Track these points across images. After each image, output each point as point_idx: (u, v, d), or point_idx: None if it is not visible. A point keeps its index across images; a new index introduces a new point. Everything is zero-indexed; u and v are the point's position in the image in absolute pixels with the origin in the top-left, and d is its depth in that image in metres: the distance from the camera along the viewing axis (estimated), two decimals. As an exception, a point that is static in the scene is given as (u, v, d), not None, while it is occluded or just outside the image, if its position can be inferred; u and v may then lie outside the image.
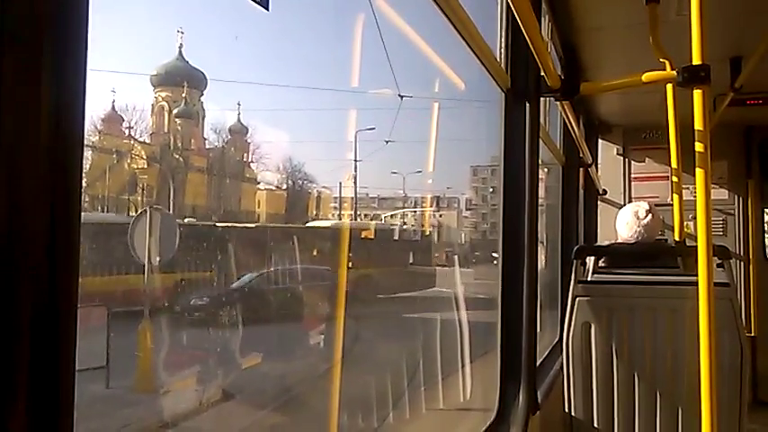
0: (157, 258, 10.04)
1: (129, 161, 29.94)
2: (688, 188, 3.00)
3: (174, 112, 32.09)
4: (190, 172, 29.96)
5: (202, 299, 12.95)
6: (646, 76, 2.42)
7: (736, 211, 5.66)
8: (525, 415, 2.53)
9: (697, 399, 1.95)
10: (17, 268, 0.57)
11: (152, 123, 32.64)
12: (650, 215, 3.23)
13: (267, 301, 14.35)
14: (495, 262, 2.99)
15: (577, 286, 2.89)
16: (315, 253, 18.28)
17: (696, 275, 1.97)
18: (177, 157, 30.81)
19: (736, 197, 5.66)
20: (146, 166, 30.17)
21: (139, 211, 14.58)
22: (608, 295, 2.89)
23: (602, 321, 2.83)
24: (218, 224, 19.87)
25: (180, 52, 31.04)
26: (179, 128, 32.06)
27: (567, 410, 2.87)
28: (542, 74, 2.47)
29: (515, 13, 1.91)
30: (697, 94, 2.04)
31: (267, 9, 1.62)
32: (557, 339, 3.69)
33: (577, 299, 2.86)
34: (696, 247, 1.98)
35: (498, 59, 2.61)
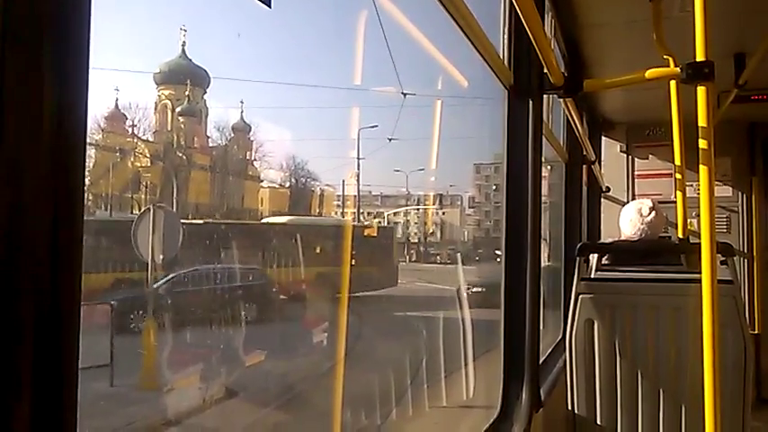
0: (161, 256, 10.06)
1: (132, 159, 30.00)
2: (692, 185, 2.99)
3: (178, 110, 32.17)
4: (193, 170, 30.03)
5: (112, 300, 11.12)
6: (649, 73, 2.42)
7: (740, 208, 5.65)
8: (528, 412, 2.53)
9: (700, 396, 1.95)
10: (20, 267, 0.57)
11: (155, 121, 32.74)
12: (654, 212, 3.22)
13: (165, 305, 12.78)
14: (498, 260, 2.98)
15: (580, 283, 2.88)
16: (259, 251, 17.34)
17: (700, 273, 1.97)
18: (180, 155, 30.87)
19: (740, 194, 5.65)
20: (149, 164, 30.23)
21: (143, 210, 14.52)
22: (611, 293, 2.88)
23: (605, 319, 2.83)
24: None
25: (183, 50, 31.11)
26: (182, 126, 32.14)
27: (570, 408, 2.87)
28: (545, 71, 2.47)
29: (518, 10, 1.90)
30: (701, 91, 2.03)
31: (269, 6, 1.62)
32: (560, 337, 3.69)
33: (580, 296, 2.86)
34: (700, 244, 1.98)
35: (501, 56, 2.60)
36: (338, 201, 37.31)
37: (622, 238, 3.35)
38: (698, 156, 2.03)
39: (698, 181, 2.01)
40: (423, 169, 42.83)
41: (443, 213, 47.42)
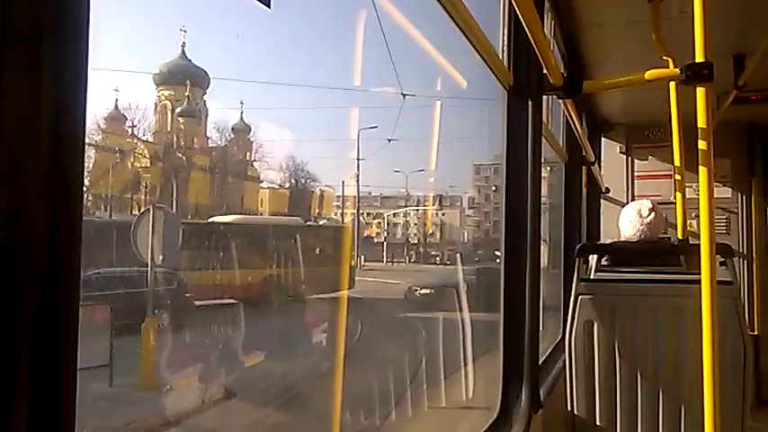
0: (160, 257, 10.05)
1: (132, 160, 30.00)
2: (691, 186, 2.99)
3: (177, 110, 32.17)
4: (192, 170, 30.03)
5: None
6: (649, 74, 2.42)
7: (740, 209, 5.65)
8: (528, 413, 2.53)
9: (700, 397, 1.95)
10: (19, 268, 0.57)
11: (155, 122, 32.73)
12: (653, 213, 3.22)
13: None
14: (497, 260, 2.98)
15: (580, 284, 2.88)
16: (194, 253, 15.90)
17: (699, 274, 1.97)
18: (180, 155, 30.87)
19: (739, 195, 5.65)
20: (149, 165, 30.23)
21: (142, 210, 14.37)
22: (611, 293, 2.88)
23: (604, 320, 2.83)
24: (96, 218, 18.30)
25: (183, 51, 31.10)
26: (182, 126, 32.14)
27: (569, 409, 2.87)
28: (545, 72, 2.47)
29: (518, 11, 1.90)
30: (700, 92, 2.03)
31: (269, 7, 1.62)
32: (559, 338, 3.69)
33: (580, 297, 2.86)
34: (699, 245, 1.98)
35: (501, 57, 2.60)
36: (338, 202, 37.34)
37: (622, 239, 3.35)
38: (697, 157, 2.03)
39: (697, 182, 2.01)
40: (422, 170, 42.88)
41: (443, 214, 47.43)
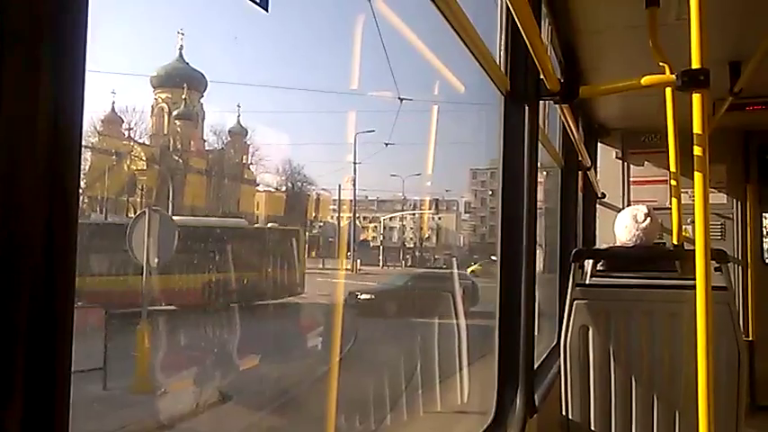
0: (156, 260, 10.03)
1: (128, 162, 29.92)
2: (687, 192, 3.00)
3: (174, 113, 32.09)
4: (189, 173, 29.97)
5: None
6: (645, 80, 2.42)
7: (735, 215, 5.67)
8: (523, 418, 2.53)
9: (694, 403, 1.95)
10: (14, 269, 0.57)
11: (152, 125, 32.66)
12: (649, 219, 3.23)
13: None
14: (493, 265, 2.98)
15: (575, 289, 2.88)
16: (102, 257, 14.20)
17: (694, 279, 1.97)
18: (177, 158, 30.82)
19: (734, 201, 5.67)
20: (145, 168, 30.16)
21: (138, 213, 14.15)
22: (606, 299, 2.88)
23: (599, 325, 2.83)
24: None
25: (180, 53, 31.06)
26: (178, 129, 32.07)
27: (564, 414, 2.87)
28: (542, 77, 2.47)
29: (515, 16, 1.91)
30: (696, 99, 2.04)
31: (267, 11, 1.62)
32: (555, 342, 3.69)
33: (575, 302, 2.86)
34: (694, 250, 1.99)
35: (498, 62, 2.61)
36: (334, 205, 37.31)
37: (617, 244, 3.36)
38: (693, 163, 2.04)
39: (693, 188, 2.02)
40: (419, 174, 42.83)
41: (439, 218, 47.41)
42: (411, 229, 47.99)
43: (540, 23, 2.86)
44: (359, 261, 31.62)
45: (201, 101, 32.88)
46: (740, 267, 5.52)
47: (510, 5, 1.85)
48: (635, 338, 2.79)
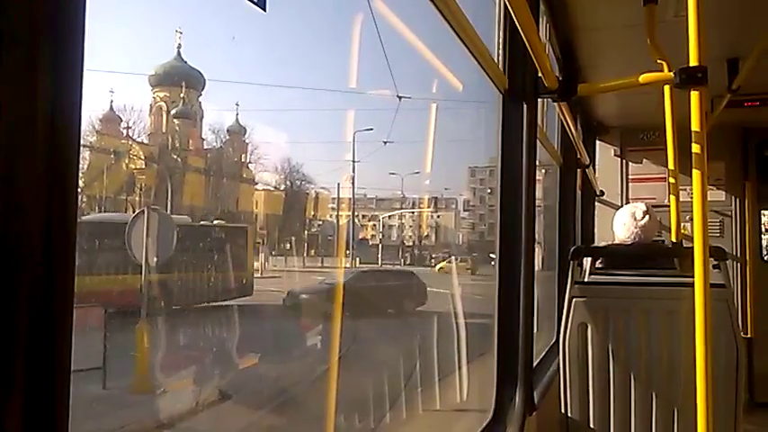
0: (155, 258, 10.02)
1: (126, 161, 29.89)
2: (685, 189, 3.01)
3: (172, 112, 32.05)
4: (187, 172, 29.93)
5: None
6: (643, 78, 2.43)
7: (733, 212, 5.67)
8: (522, 416, 2.53)
9: (693, 400, 1.96)
10: (14, 269, 0.57)
11: (150, 123, 32.62)
12: (647, 216, 3.23)
13: None
14: (492, 263, 2.99)
15: (574, 287, 2.89)
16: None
17: (693, 277, 1.98)
18: (175, 157, 30.78)
19: (733, 198, 5.67)
20: (143, 167, 30.13)
21: (137, 212, 14.04)
22: (604, 296, 2.89)
23: (598, 322, 2.83)
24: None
25: (178, 52, 31.05)
26: (177, 128, 32.04)
27: (563, 411, 2.87)
28: (540, 75, 2.47)
29: (513, 14, 1.91)
30: (694, 96, 2.04)
31: (264, 10, 1.62)
32: (553, 340, 3.69)
33: (574, 300, 2.86)
34: (693, 248, 1.99)
35: (496, 60, 2.61)
36: (333, 204, 37.29)
37: (616, 241, 3.36)
38: (691, 160, 2.04)
39: (691, 185, 2.02)
40: (418, 172, 42.82)
41: (438, 216, 47.41)
42: (410, 227, 48.03)
43: (538, 21, 2.86)
44: (358, 259, 31.61)
45: (200, 99, 32.85)
46: (739, 265, 5.53)
47: (508, 3, 1.85)
48: (634, 336, 2.79)
